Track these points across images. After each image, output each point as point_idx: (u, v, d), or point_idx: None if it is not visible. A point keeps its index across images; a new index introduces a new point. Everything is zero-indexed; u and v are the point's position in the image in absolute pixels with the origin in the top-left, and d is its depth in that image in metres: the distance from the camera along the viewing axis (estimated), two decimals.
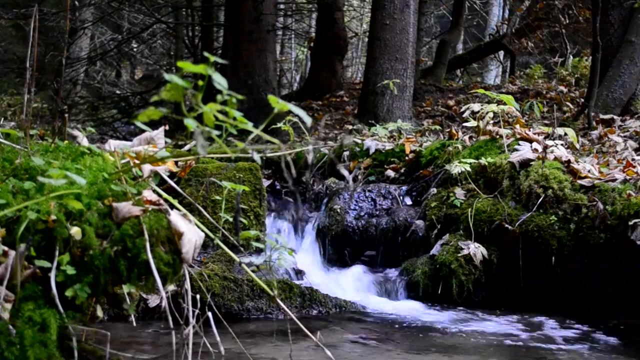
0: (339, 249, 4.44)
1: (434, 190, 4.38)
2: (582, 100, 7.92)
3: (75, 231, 1.54)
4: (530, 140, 4.29)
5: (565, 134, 4.56)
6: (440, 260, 3.80)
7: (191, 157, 1.97)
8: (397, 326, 3.23)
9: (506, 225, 3.75)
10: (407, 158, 5.16)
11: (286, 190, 5.10)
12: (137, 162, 1.79)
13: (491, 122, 4.64)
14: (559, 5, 12.29)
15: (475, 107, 4.67)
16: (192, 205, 1.93)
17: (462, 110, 4.95)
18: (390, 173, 5.13)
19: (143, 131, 2.05)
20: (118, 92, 15.14)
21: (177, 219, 1.68)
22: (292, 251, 2.13)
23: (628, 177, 3.68)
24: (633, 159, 4.36)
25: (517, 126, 4.55)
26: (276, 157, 1.62)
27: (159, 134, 2.18)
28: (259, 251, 3.56)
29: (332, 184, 5.04)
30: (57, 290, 1.50)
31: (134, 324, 2.92)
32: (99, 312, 1.78)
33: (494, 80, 16.63)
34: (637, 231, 3.33)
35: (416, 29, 8.05)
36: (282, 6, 15.07)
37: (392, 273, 4.10)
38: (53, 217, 1.53)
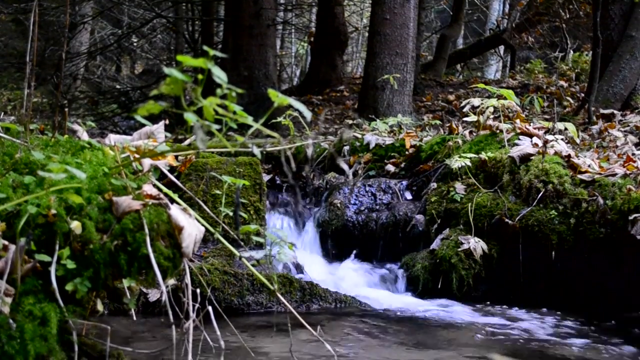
0: (339, 243, 4.44)
1: (434, 184, 4.38)
2: (583, 95, 7.91)
3: (75, 225, 1.54)
4: (531, 135, 4.29)
5: (566, 129, 4.56)
6: (441, 254, 3.81)
7: (191, 151, 1.97)
8: (397, 320, 3.24)
9: (506, 220, 3.75)
10: (407, 153, 5.16)
11: (286, 185, 5.10)
12: (137, 156, 1.79)
13: (491, 116, 4.64)
14: (560, 0, 12.27)
15: (476, 101, 4.67)
16: (192, 199, 1.93)
17: (462, 104, 4.94)
18: (390, 168, 5.13)
19: (143, 125, 2.05)
20: (118, 86, 15.13)
21: (177, 213, 1.68)
22: (293, 246, 2.13)
23: (628, 172, 3.68)
24: (633, 154, 4.36)
25: (518, 121, 4.54)
26: (276, 151, 1.61)
27: (159, 128, 2.18)
28: (259, 245, 3.56)
29: (332, 179, 5.04)
30: (57, 284, 1.50)
31: (134, 318, 2.93)
32: (99, 306, 1.78)
33: (494, 75, 16.62)
34: (637, 226, 3.33)
35: (416, 23, 8.04)
36: (282, 1, 15.04)
37: (392, 267, 4.11)
38: (53, 211, 1.53)
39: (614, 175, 3.68)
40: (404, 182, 4.75)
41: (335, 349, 2.40)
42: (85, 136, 2.21)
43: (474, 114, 4.74)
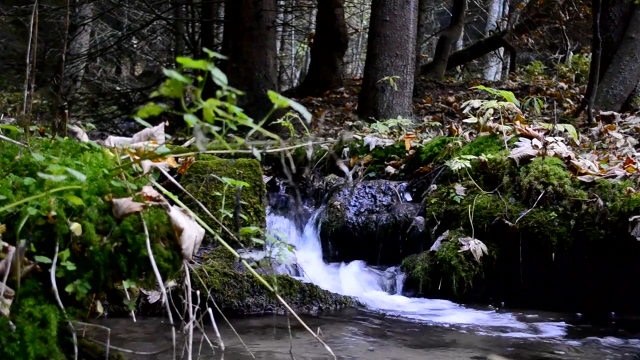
0: (339, 245, 4.44)
1: (434, 186, 4.38)
2: (583, 96, 7.91)
3: (75, 227, 1.54)
4: (531, 137, 4.29)
5: (566, 130, 4.56)
6: (441, 256, 3.81)
7: (191, 153, 1.96)
8: (397, 322, 3.24)
9: (506, 222, 3.75)
10: (407, 154, 5.16)
11: (286, 187, 5.10)
12: (137, 158, 1.79)
13: (491, 118, 4.64)
14: (560, 2, 12.28)
15: (476, 103, 4.67)
16: (192, 201, 1.93)
17: (462, 106, 4.94)
18: (390, 169, 5.13)
19: (143, 127, 2.05)
20: (118, 88, 15.15)
21: (177, 215, 1.68)
22: (292, 247, 2.13)
23: (628, 174, 3.68)
24: (633, 155, 4.36)
25: (517, 122, 4.55)
26: (276, 153, 1.61)
27: (159, 130, 2.18)
28: (259, 247, 3.56)
29: (332, 180, 5.04)
30: (57, 286, 1.50)
31: (134, 320, 2.93)
32: (99, 308, 1.78)
33: (494, 77, 16.62)
34: (637, 227, 3.33)
35: (416, 25, 8.04)
36: (282, 2, 15.06)
37: (392, 269, 4.10)
38: (53, 213, 1.53)
39: (614, 176, 3.69)
40: (404, 184, 4.75)
41: (335, 351, 2.40)
42: (85, 138, 2.21)
43: (474, 115, 4.74)
